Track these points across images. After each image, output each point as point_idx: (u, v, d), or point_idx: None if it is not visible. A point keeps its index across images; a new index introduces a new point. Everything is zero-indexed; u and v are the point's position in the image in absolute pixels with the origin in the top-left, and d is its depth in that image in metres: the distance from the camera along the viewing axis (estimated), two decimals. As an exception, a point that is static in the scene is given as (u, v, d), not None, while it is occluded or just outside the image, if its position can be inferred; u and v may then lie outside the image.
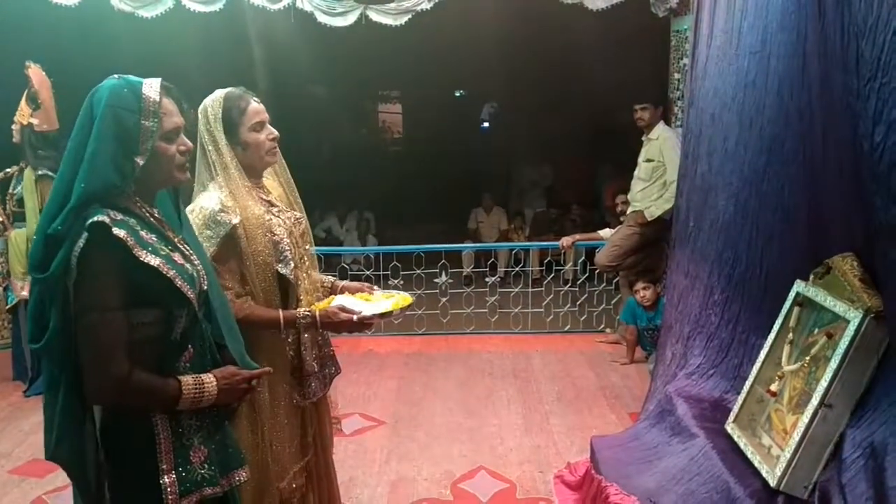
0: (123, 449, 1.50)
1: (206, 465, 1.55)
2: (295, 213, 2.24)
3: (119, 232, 1.40)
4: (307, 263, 2.22)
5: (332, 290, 2.33)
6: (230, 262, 2.01)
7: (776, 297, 2.54)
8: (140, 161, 1.48)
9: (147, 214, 1.54)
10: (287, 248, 2.10)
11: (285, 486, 2.17)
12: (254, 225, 2.04)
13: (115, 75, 1.51)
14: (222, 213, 1.99)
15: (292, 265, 2.10)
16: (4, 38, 5.01)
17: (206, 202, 2.02)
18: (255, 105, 2.10)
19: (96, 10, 4.77)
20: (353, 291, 2.29)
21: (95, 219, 1.39)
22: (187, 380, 1.50)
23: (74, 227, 1.40)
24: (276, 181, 2.28)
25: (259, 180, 2.18)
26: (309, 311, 2.08)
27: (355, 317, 2.05)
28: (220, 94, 2.10)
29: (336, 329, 2.12)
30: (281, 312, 2.06)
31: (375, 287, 2.35)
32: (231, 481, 1.61)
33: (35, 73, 4.24)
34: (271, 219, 2.10)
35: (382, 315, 2.13)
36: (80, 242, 1.39)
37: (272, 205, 2.16)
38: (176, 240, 1.59)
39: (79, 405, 1.49)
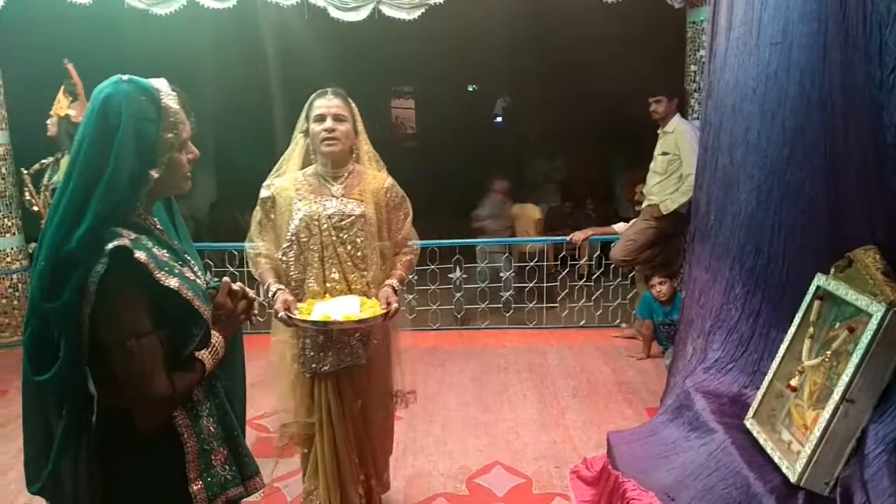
0: (143, 468, 1.47)
1: (226, 467, 1.55)
2: (351, 205, 2.38)
3: (140, 255, 1.34)
4: (328, 252, 2.36)
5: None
6: (266, 226, 2.45)
7: (797, 290, 2.50)
8: (155, 174, 1.41)
9: (152, 227, 1.49)
10: (292, 230, 2.34)
11: (282, 413, 2.54)
12: (282, 203, 2.40)
13: (123, 77, 1.41)
14: (263, 188, 2.44)
15: (285, 245, 2.37)
16: (18, 36, 5.06)
17: None
18: (323, 100, 2.35)
19: (110, 8, 4.79)
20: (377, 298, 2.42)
21: (116, 243, 1.32)
22: (202, 354, 1.48)
23: (88, 250, 1.32)
24: (382, 171, 2.53)
25: (336, 170, 2.41)
26: (277, 288, 2.32)
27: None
28: None
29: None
30: (270, 281, 2.36)
31: (392, 302, 2.38)
32: (249, 489, 1.61)
33: (73, 69, 4.54)
34: (298, 202, 2.35)
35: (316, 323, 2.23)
36: (100, 268, 1.31)
37: (333, 195, 2.39)
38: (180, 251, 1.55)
39: (76, 435, 1.44)
